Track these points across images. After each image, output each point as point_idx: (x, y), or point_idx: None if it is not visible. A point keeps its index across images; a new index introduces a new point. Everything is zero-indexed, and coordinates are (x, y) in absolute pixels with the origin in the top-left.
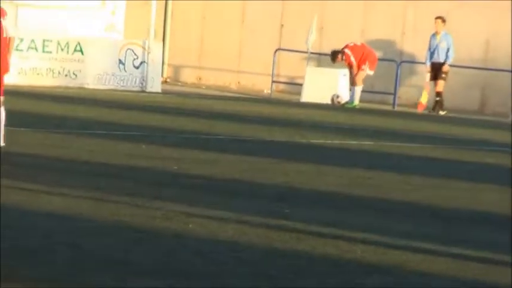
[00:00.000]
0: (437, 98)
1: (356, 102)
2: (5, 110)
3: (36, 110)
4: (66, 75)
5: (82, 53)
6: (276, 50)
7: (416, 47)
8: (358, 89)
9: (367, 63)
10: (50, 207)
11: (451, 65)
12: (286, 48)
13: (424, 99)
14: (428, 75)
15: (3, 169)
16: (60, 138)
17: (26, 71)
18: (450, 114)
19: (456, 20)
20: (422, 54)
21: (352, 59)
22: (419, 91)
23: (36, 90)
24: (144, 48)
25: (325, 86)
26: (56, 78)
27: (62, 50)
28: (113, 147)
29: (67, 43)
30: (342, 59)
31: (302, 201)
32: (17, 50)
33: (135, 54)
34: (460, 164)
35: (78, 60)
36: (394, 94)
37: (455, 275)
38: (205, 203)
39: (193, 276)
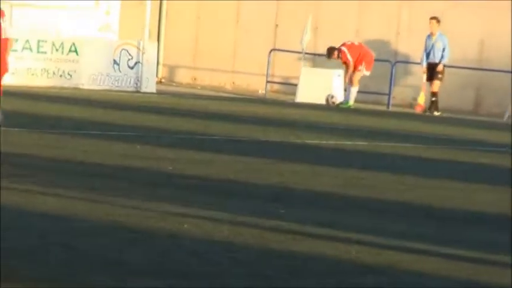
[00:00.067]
0: (433, 99)
1: (351, 102)
2: (0, 110)
3: (30, 111)
4: (60, 76)
5: (77, 54)
6: (271, 51)
7: (410, 47)
8: (354, 89)
9: (363, 63)
10: (45, 207)
11: (445, 66)
12: (281, 48)
13: (422, 100)
14: (424, 76)
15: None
16: (55, 139)
17: (21, 72)
18: (445, 115)
19: (451, 20)
20: (416, 54)
21: (349, 57)
22: (414, 91)
23: (31, 91)
24: (138, 48)
25: (320, 87)
26: (51, 79)
27: (57, 50)
28: (107, 147)
29: (62, 43)
30: (338, 57)
31: (297, 202)
32: (11, 50)
33: (129, 54)
34: (454, 164)
35: (73, 61)
36: (389, 94)
37: (449, 275)
38: (200, 203)
39: (188, 277)
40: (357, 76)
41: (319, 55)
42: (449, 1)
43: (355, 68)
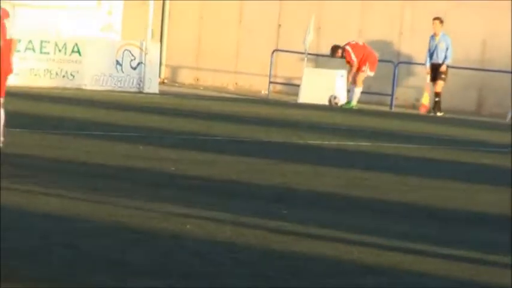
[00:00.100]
0: (437, 99)
1: (354, 102)
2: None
3: (33, 111)
4: (63, 76)
5: (79, 54)
6: (274, 51)
7: (413, 48)
8: (358, 90)
9: (367, 64)
10: (47, 208)
11: (448, 66)
12: (284, 49)
13: (426, 100)
14: (428, 77)
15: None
16: (58, 139)
17: (24, 72)
18: (447, 115)
19: (453, 20)
20: (419, 55)
21: (353, 57)
22: (417, 92)
23: (34, 91)
24: (141, 49)
25: (323, 87)
26: (54, 79)
27: (60, 51)
28: (110, 148)
29: (64, 44)
30: (342, 56)
31: (300, 202)
32: (15, 51)
33: (132, 55)
34: (457, 164)
35: (76, 61)
36: (392, 95)
37: (451, 275)
38: (203, 204)
39: (191, 277)
40: (361, 77)
41: (322, 55)
42: (452, 1)
43: (358, 69)
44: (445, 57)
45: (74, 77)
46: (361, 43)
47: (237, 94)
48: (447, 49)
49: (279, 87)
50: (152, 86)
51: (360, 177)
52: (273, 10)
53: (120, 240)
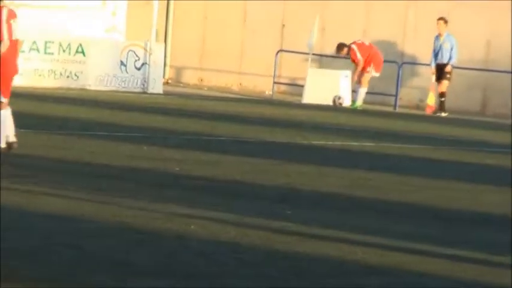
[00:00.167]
0: (442, 99)
1: (359, 103)
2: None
3: (37, 112)
4: (67, 77)
5: (84, 55)
6: (278, 52)
7: (417, 48)
8: (363, 90)
9: (372, 65)
10: (52, 208)
11: (453, 66)
12: (288, 49)
13: (431, 100)
14: (433, 77)
15: (5, 170)
16: (62, 140)
17: (28, 73)
18: (451, 116)
19: (457, 21)
20: (423, 55)
21: (359, 56)
22: (421, 92)
23: (38, 92)
24: (145, 49)
25: (327, 87)
26: (58, 80)
27: (64, 51)
28: (114, 148)
29: (69, 44)
30: (347, 54)
31: (304, 203)
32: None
33: (136, 55)
34: (461, 165)
35: (80, 62)
36: (396, 95)
37: (456, 276)
38: (207, 204)
39: (195, 277)
40: (366, 77)
41: (326, 56)
42: (456, 1)
43: (363, 69)
44: (450, 58)
45: (78, 77)
46: (367, 43)
47: (241, 94)
48: (452, 49)
49: (283, 87)
50: (156, 87)
51: (363, 178)
52: (277, 10)
53: (124, 241)
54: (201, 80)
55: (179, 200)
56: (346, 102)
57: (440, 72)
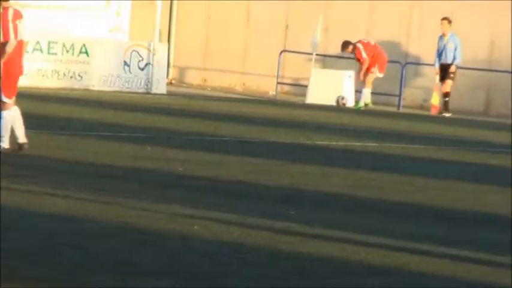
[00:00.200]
0: (446, 99)
1: (362, 103)
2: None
3: (41, 112)
4: (71, 77)
5: (87, 55)
6: (281, 52)
7: (421, 48)
8: (367, 91)
9: (376, 66)
10: (55, 208)
11: (457, 66)
12: (291, 49)
13: (436, 101)
14: (437, 77)
15: (8, 170)
16: (65, 140)
17: (31, 73)
18: (454, 116)
19: (461, 21)
20: (427, 55)
21: (364, 54)
22: (425, 93)
23: (41, 92)
24: (149, 49)
25: (330, 88)
26: (61, 80)
27: (67, 51)
28: (118, 149)
29: (72, 45)
30: (352, 52)
31: (307, 203)
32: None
33: (140, 55)
34: (464, 165)
35: (84, 62)
36: (399, 96)
37: (459, 276)
38: (210, 205)
39: (198, 278)
40: (370, 78)
41: (330, 56)
42: (460, 1)
43: (368, 69)
44: (454, 58)
45: (81, 77)
46: (372, 43)
47: (244, 95)
48: (456, 49)
49: (286, 87)
50: (160, 87)
51: (367, 178)
52: (280, 11)
53: (128, 241)
54: (205, 81)
55: (183, 200)
56: (350, 102)
57: (444, 72)
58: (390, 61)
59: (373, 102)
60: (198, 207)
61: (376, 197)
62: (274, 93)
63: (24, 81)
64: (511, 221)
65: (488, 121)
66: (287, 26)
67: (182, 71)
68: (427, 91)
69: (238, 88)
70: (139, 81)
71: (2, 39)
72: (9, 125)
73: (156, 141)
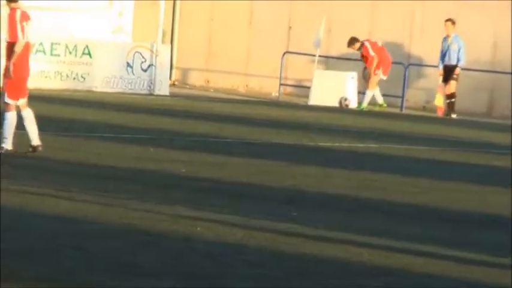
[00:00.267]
0: (453, 99)
1: (364, 105)
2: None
3: (44, 113)
4: (74, 79)
5: (90, 56)
6: (284, 53)
7: (424, 49)
8: (370, 92)
9: (381, 68)
10: (58, 210)
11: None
12: (294, 51)
13: (439, 102)
14: (440, 78)
15: (10, 171)
16: (68, 141)
17: (34, 74)
18: (458, 117)
19: (464, 22)
20: (430, 57)
21: (371, 52)
22: (427, 94)
23: (44, 94)
24: (152, 51)
25: (333, 89)
26: (64, 81)
27: (70, 53)
28: (121, 150)
29: (75, 46)
30: (359, 49)
31: (310, 204)
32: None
33: (143, 57)
34: (468, 166)
35: (86, 63)
36: (402, 97)
37: (462, 278)
38: (213, 206)
39: (201, 279)
40: (374, 80)
41: (332, 57)
42: (463, 2)
43: (375, 69)
44: (458, 59)
45: (84, 79)
46: (379, 44)
47: (247, 96)
48: (459, 50)
49: (289, 89)
50: (163, 88)
51: (370, 179)
52: (283, 12)
53: (131, 243)
54: (208, 82)
55: (185, 201)
56: (353, 104)
57: (448, 73)
58: (393, 62)
59: (371, 104)
60: (201, 208)
61: (379, 198)
62: (277, 94)
63: (27, 83)
64: (511, 221)
65: (492, 122)
66: (290, 28)
67: (185, 72)
68: (430, 92)
69: (241, 89)
70: (142, 82)
71: (10, 40)
72: (13, 127)
73: (159, 142)
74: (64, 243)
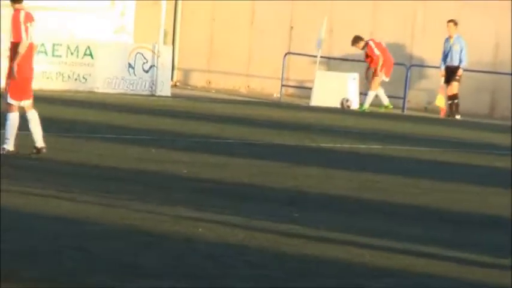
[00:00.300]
0: (455, 101)
1: (366, 106)
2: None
3: (46, 114)
4: (75, 79)
5: (92, 57)
6: (286, 54)
7: (425, 50)
8: (372, 93)
9: (383, 70)
10: (60, 210)
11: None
12: (296, 51)
13: (441, 102)
14: (442, 79)
15: (12, 172)
16: (70, 142)
17: (36, 75)
18: (460, 118)
19: (466, 23)
20: (431, 58)
21: (376, 51)
22: (429, 95)
23: (46, 94)
24: (153, 52)
25: (335, 90)
26: (66, 82)
27: (72, 54)
28: (122, 151)
29: (77, 47)
30: (363, 49)
31: (311, 205)
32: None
33: (144, 58)
34: (469, 167)
35: (88, 64)
36: (404, 98)
37: (464, 279)
38: (215, 207)
39: (202, 280)
40: (376, 81)
41: (334, 58)
42: (464, 2)
43: (375, 70)
44: (460, 61)
45: (86, 80)
46: (383, 45)
47: (249, 97)
48: (461, 51)
49: (291, 90)
50: (164, 89)
51: (371, 180)
52: (285, 12)
53: (133, 243)
54: (209, 83)
55: (187, 202)
56: (354, 105)
57: (450, 74)
58: (395, 63)
59: (373, 105)
60: (202, 209)
61: (381, 199)
62: (278, 95)
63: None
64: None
65: (493, 123)
66: (292, 28)
67: (187, 73)
68: (432, 93)
69: (243, 90)
70: (143, 83)
71: (14, 40)
72: (15, 128)
73: (160, 143)
74: (66, 244)
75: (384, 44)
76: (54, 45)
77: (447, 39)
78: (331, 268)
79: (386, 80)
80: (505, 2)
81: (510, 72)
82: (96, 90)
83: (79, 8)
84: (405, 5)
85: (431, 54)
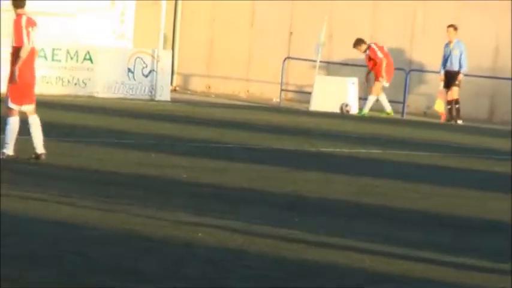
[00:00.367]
0: (457, 106)
1: (366, 110)
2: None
3: (45, 119)
4: (75, 84)
5: (91, 62)
6: (285, 59)
7: (425, 55)
8: (372, 98)
9: (384, 75)
10: (59, 215)
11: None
12: (295, 56)
13: (440, 107)
14: (442, 84)
15: (12, 177)
16: (70, 147)
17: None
18: (461, 123)
19: (466, 22)
20: (431, 62)
21: (379, 54)
22: (428, 100)
23: (46, 99)
24: (153, 56)
25: (334, 95)
26: (66, 87)
27: (72, 58)
28: (122, 155)
29: (76, 52)
30: (365, 52)
31: (311, 210)
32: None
33: (144, 62)
34: (469, 172)
35: (88, 69)
36: (403, 102)
37: (463, 284)
38: (214, 212)
39: (202, 285)
40: (378, 86)
41: (334, 63)
42: (464, 2)
43: (378, 73)
44: (460, 66)
45: (85, 84)
46: (386, 49)
47: (248, 102)
48: (461, 55)
49: (290, 94)
50: (164, 94)
51: (371, 185)
52: (285, 16)
53: (132, 248)
54: (209, 87)
55: (187, 207)
56: (354, 109)
57: (450, 79)
58: (394, 68)
59: (373, 109)
60: (202, 214)
61: (381, 204)
62: (278, 100)
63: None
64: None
65: (493, 128)
66: (291, 33)
67: (186, 77)
68: (431, 98)
69: (242, 95)
70: (143, 88)
71: (15, 45)
72: (15, 132)
73: (160, 148)
74: (65, 249)
75: (386, 49)
76: (53, 49)
77: (447, 44)
78: (331, 273)
79: (387, 85)
80: (505, 2)
81: (510, 77)
82: (95, 94)
83: (78, 9)
84: (405, 5)
85: (431, 59)
